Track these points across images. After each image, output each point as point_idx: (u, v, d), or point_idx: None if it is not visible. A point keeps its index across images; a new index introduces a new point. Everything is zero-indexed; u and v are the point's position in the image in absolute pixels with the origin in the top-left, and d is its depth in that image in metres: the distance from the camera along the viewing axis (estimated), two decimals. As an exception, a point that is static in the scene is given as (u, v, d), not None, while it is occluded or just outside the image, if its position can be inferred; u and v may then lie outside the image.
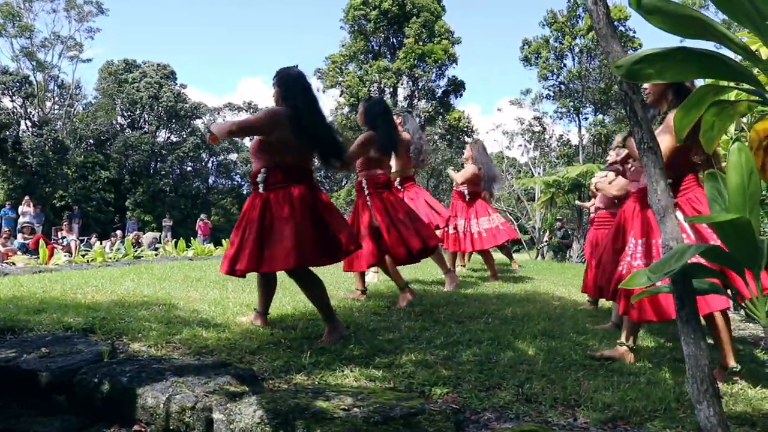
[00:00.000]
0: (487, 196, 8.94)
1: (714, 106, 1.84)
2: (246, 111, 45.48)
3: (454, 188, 8.39)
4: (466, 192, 8.03)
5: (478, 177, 7.95)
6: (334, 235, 3.90)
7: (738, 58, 1.85)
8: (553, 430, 2.43)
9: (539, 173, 30.72)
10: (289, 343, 3.63)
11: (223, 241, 16.33)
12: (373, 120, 5.32)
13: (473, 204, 7.98)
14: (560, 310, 5.30)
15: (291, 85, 4.02)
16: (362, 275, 5.75)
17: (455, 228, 7.94)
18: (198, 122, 42.85)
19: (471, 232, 7.87)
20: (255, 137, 4.02)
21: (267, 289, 4.25)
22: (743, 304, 3.04)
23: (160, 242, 20.41)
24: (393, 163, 6.22)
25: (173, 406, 2.60)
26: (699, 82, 4.05)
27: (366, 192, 5.44)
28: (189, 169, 42.95)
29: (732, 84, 2.36)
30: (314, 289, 3.98)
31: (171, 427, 2.59)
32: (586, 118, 30.82)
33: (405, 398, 2.65)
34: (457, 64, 29.67)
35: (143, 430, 2.64)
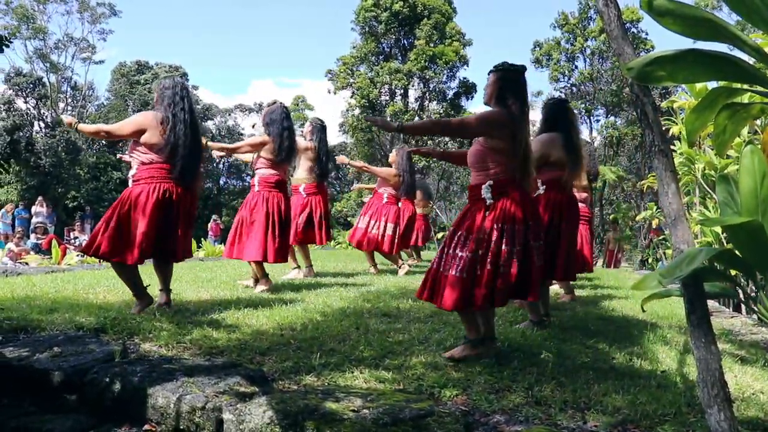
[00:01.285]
0: (423, 202, 10.00)
1: (726, 109, 1.83)
2: (257, 112, 45.59)
3: (375, 188, 8.74)
4: (385, 195, 8.37)
5: (397, 183, 8.35)
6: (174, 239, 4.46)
7: (751, 60, 1.84)
8: (562, 433, 2.42)
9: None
10: (298, 344, 3.64)
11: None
12: (269, 126, 6.00)
13: (388, 206, 8.32)
14: (570, 312, 5.28)
15: (166, 93, 4.50)
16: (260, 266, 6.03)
17: (367, 227, 8.29)
18: (209, 123, 42.96)
19: (382, 234, 8.24)
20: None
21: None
22: (755, 308, 3.02)
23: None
24: (300, 169, 7.22)
25: (183, 406, 2.61)
26: (712, 85, 4.03)
27: (257, 189, 6.01)
28: (200, 170, 42.98)
29: (745, 86, 2.35)
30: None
31: (181, 427, 2.60)
32: (598, 120, 30.62)
33: (414, 400, 2.65)
34: (468, 66, 29.53)
35: (154, 429, 2.65)
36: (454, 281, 3.32)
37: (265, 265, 5.95)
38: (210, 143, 6.17)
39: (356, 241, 8.37)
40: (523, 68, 3.63)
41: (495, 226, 3.35)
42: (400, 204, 8.69)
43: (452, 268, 3.35)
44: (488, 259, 3.30)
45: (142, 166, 4.41)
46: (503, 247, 3.32)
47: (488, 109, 3.60)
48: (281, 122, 6.00)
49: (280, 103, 6.21)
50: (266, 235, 5.80)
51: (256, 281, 6.04)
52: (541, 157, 4.44)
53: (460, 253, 3.36)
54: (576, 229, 4.83)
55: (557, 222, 4.51)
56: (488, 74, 3.66)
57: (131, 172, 4.47)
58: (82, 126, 4.61)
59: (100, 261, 6.09)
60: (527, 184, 3.54)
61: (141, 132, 4.38)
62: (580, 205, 6.55)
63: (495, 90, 3.56)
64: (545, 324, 4.41)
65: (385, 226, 8.19)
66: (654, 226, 12.48)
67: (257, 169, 6.10)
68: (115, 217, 4.29)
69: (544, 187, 4.53)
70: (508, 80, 3.55)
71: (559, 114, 4.60)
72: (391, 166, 8.47)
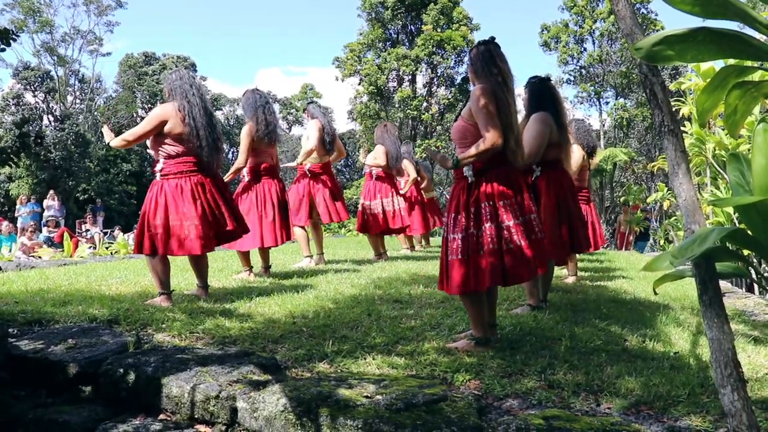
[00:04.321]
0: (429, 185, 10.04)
1: (737, 88, 1.81)
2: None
3: (365, 170, 8.84)
4: (374, 172, 8.43)
5: (386, 157, 8.38)
6: (226, 220, 4.63)
7: (763, 37, 1.82)
8: (576, 415, 2.42)
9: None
10: (311, 332, 3.65)
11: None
12: (249, 111, 6.04)
13: (379, 184, 8.37)
14: (582, 295, 5.27)
15: (176, 84, 4.60)
16: (246, 255, 6.10)
17: (377, 209, 8.30)
18: (218, 114, 43.03)
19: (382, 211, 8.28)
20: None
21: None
22: (768, 288, 3.00)
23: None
24: (307, 151, 7.13)
25: (198, 395, 2.62)
26: (719, 65, 3.99)
27: (246, 179, 6.15)
28: (221, 155, 42.88)
29: (756, 64, 2.32)
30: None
31: (196, 416, 2.62)
32: (607, 103, 30.50)
33: (427, 385, 2.66)
34: (475, 51, 29.41)
35: (169, 419, 2.67)
36: (455, 265, 3.30)
37: (278, 251, 5.95)
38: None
39: (358, 226, 8.49)
40: (490, 39, 3.57)
41: (480, 205, 3.32)
42: (402, 181, 8.94)
43: (452, 252, 3.35)
44: (481, 239, 3.28)
45: (169, 161, 4.49)
46: (489, 224, 3.28)
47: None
48: (254, 103, 6.06)
49: (252, 88, 6.25)
50: (261, 222, 5.91)
51: (250, 270, 6.10)
52: (549, 137, 4.41)
53: (453, 236, 3.35)
54: (578, 203, 4.83)
55: (564, 198, 4.50)
56: None
57: (158, 167, 4.54)
58: (114, 142, 4.69)
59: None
60: (515, 158, 3.46)
61: (163, 123, 4.45)
62: (577, 184, 6.58)
63: (470, 72, 3.56)
64: (542, 309, 4.40)
65: (382, 203, 8.24)
66: (666, 208, 12.38)
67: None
68: (154, 213, 4.41)
69: (540, 168, 4.50)
70: (475, 57, 3.52)
71: (544, 92, 4.56)
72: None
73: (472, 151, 3.30)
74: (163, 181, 4.47)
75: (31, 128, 29.87)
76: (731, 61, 3.45)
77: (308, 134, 7.25)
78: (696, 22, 1.72)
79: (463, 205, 3.36)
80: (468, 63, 3.61)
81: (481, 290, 3.31)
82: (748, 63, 2.94)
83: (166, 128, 4.46)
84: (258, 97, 6.14)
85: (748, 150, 5.66)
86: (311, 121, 7.21)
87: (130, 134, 4.57)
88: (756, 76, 3.15)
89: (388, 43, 29.96)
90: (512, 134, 3.41)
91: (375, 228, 8.26)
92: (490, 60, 3.46)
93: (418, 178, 9.84)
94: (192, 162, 4.50)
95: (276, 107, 45.64)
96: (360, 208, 8.45)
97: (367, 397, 2.47)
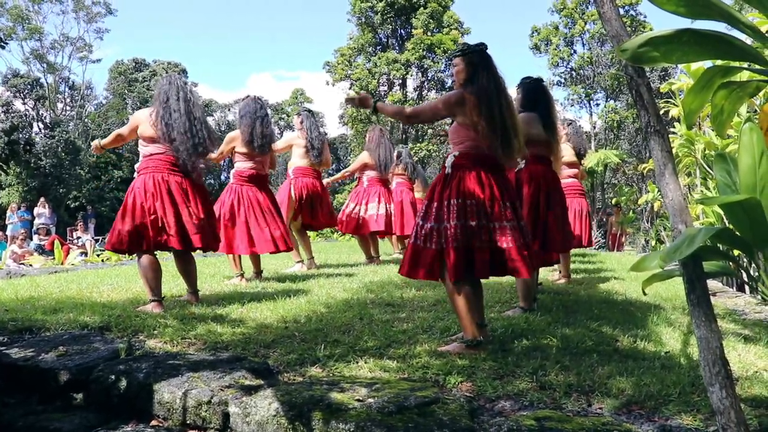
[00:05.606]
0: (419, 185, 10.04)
1: (723, 88, 1.83)
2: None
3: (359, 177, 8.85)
4: (365, 179, 8.47)
5: (372, 163, 8.37)
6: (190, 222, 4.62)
7: (748, 39, 1.83)
8: (568, 416, 2.43)
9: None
10: (303, 336, 3.65)
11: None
12: (246, 119, 6.04)
13: (369, 189, 8.39)
14: (573, 297, 5.29)
15: (162, 89, 4.71)
16: (237, 258, 6.10)
17: (350, 211, 8.37)
18: (209, 119, 42.92)
19: (360, 215, 8.32)
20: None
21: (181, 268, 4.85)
22: (758, 288, 3.02)
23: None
24: (295, 157, 7.26)
25: (190, 400, 2.62)
26: (709, 65, 4.01)
27: (232, 183, 6.11)
28: (201, 166, 42.87)
29: (744, 65, 2.34)
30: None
31: (188, 422, 2.61)
32: (598, 105, 30.61)
33: (419, 388, 2.66)
34: (466, 54, 29.46)
35: (161, 425, 2.66)
36: (423, 253, 3.37)
37: (270, 257, 5.94)
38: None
39: (339, 223, 8.45)
40: (484, 45, 3.61)
41: (447, 200, 3.38)
42: (393, 186, 8.99)
43: (420, 240, 3.41)
44: (448, 232, 3.33)
45: (143, 159, 4.63)
46: (453, 222, 3.32)
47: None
48: (253, 113, 6.03)
49: (253, 96, 6.23)
50: (247, 228, 5.91)
51: (242, 275, 6.09)
52: (530, 135, 4.46)
53: (424, 224, 3.43)
54: (564, 199, 4.87)
55: (545, 192, 4.55)
56: (453, 59, 3.67)
57: (136, 166, 4.69)
58: (104, 142, 4.97)
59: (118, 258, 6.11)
60: (509, 160, 3.52)
61: (136, 128, 4.66)
62: (572, 180, 6.64)
63: (467, 73, 3.54)
64: (534, 310, 4.42)
65: (367, 208, 8.25)
66: (657, 209, 12.44)
67: (235, 162, 6.20)
68: (122, 210, 4.47)
69: (524, 161, 4.55)
70: (476, 62, 3.52)
71: (538, 93, 4.65)
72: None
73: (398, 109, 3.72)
74: (135, 179, 4.59)
75: (20, 136, 29.75)
76: (719, 62, 3.48)
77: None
78: (684, 24, 1.73)
79: (437, 195, 3.44)
80: (463, 63, 3.55)
81: (459, 280, 3.33)
82: (735, 63, 2.97)
83: (138, 131, 4.64)
84: (258, 107, 6.09)
85: (737, 149, 5.70)
86: (294, 132, 7.27)
87: (116, 131, 4.84)
88: (742, 77, 3.17)
89: (378, 48, 30.00)
90: (515, 137, 3.47)
91: (360, 229, 8.27)
92: (491, 66, 3.53)
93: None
94: (163, 160, 4.58)
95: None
96: (347, 210, 8.44)
97: (359, 400, 2.47)
